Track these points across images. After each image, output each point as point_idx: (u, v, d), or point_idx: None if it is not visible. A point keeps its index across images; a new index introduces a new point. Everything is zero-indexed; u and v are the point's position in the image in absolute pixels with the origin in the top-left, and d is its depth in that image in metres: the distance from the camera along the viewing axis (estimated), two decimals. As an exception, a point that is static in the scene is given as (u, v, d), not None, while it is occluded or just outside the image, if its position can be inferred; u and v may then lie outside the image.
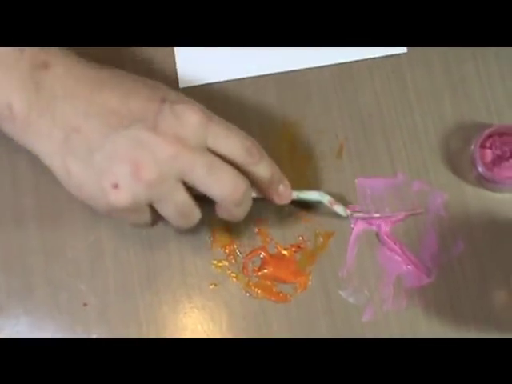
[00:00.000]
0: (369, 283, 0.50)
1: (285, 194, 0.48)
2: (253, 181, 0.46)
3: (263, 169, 0.46)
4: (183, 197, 0.44)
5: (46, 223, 0.51)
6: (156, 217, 0.45)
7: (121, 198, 0.42)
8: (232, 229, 0.51)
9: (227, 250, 0.51)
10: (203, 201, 0.45)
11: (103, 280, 0.50)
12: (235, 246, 0.51)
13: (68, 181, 0.43)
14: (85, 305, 0.50)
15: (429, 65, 0.53)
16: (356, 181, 0.51)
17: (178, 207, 0.44)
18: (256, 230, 0.51)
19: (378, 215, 0.51)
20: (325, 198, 0.49)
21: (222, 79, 0.53)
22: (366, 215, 0.51)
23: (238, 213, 0.46)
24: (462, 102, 0.52)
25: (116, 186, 0.42)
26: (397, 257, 0.50)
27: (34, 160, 0.51)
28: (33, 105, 0.42)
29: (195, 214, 0.46)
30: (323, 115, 0.52)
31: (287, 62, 0.53)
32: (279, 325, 0.50)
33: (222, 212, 0.46)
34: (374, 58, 0.53)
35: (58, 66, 0.43)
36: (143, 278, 0.50)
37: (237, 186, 0.44)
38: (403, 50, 0.53)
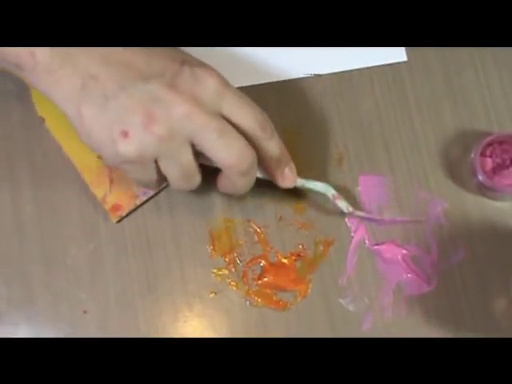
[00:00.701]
0: (369, 291, 0.50)
1: (290, 177, 0.48)
2: (261, 157, 0.46)
3: (273, 146, 0.46)
4: (188, 158, 0.44)
5: (46, 232, 0.51)
6: (160, 178, 0.45)
7: (129, 147, 0.42)
8: (232, 236, 0.51)
9: (227, 259, 0.51)
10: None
11: (103, 288, 0.50)
12: (235, 255, 0.51)
13: (80, 126, 0.43)
14: (85, 312, 0.50)
15: (429, 73, 0.53)
16: (357, 189, 0.52)
17: (182, 167, 0.44)
18: (256, 238, 0.51)
19: (379, 218, 0.51)
20: (329, 192, 0.49)
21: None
22: (368, 215, 0.51)
23: (241, 184, 0.46)
24: (462, 110, 0.52)
25: (126, 135, 0.42)
26: (397, 264, 0.50)
27: (34, 168, 0.52)
28: (55, 53, 0.42)
29: (196, 178, 0.46)
30: (323, 124, 0.52)
31: (287, 70, 0.53)
32: (279, 333, 0.50)
33: (225, 183, 0.46)
34: (373, 67, 0.53)
35: None
36: (143, 287, 0.50)
37: (244, 155, 0.44)
38: (403, 58, 0.53)
